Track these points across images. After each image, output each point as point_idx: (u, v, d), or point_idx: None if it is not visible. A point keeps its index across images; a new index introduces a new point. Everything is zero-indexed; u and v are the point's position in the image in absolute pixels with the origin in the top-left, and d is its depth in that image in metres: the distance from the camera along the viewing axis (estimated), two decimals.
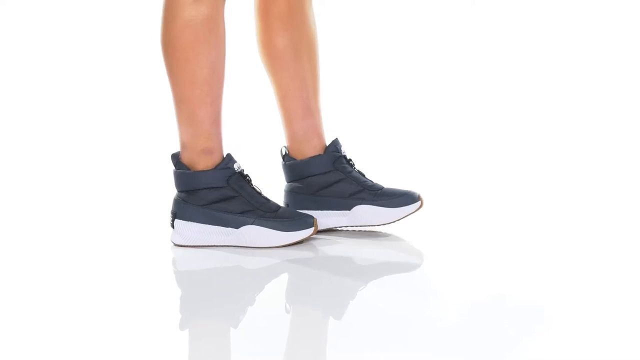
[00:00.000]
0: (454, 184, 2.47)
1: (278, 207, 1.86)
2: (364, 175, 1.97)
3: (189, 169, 1.83)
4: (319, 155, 1.94)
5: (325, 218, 1.94)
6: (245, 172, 1.88)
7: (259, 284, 1.64)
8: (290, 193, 1.96)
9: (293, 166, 1.96)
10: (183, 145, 1.84)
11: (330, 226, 1.95)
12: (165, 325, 1.40)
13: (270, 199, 1.88)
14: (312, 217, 1.86)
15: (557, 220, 2.06)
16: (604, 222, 2.06)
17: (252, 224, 1.83)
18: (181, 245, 1.84)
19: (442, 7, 3.45)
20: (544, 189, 2.39)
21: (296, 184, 1.96)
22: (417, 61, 3.45)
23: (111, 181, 2.64)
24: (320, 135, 1.97)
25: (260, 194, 1.87)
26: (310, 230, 1.85)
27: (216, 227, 1.84)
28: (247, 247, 1.83)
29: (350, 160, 1.98)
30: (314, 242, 1.87)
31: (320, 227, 1.93)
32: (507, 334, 1.33)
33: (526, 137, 3.02)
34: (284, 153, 1.99)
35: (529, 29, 3.44)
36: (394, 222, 1.92)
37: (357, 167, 2.00)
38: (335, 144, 1.96)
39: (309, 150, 1.96)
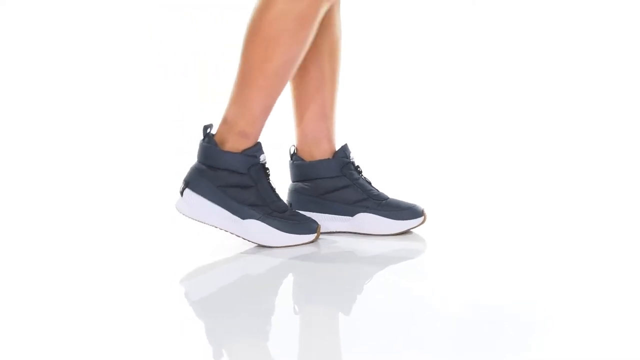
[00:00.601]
0: (458, 188, 2.47)
1: (286, 208, 1.86)
2: (370, 184, 1.97)
3: (216, 145, 1.83)
4: (328, 159, 1.95)
5: (327, 221, 1.94)
6: (267, 166, 1.87)
7: (262, 283, 1.64)
8: (295, 193, 1.97)
9: (301, 166, 1.96)
10: (224, 120, 1.83)
11: (332, 230, 1.95)
12: (165, 324, 1.40)
13: (281, 198, 1.88)
14: (316, 222, 1.86)
15: (558, 226, 2.05)
16: (605, 224, 2.05)
17: (257, 219, 1.82)
18: (184, 215, 1.83)
19: (443, 7, 3.45)
20: (547, 194, 2.39)
21: (302, 185, 1.96)
22: (421, 65, 3.45)
23: (111, 181, 2.63)
24: (330, 140, 1.97)
25: (274, 191, 1.87)
26: (313, 236, 1.85)
27: (224, 210, 1.83)
28: (246, 239, 1.82)
29: (358, 167, 1.98)
30: (317, 243, 1.87)
31: (321, 230, 1.93)
32: (507, 334, 1.32)
33: (534, 144, 3.01)
34: (292, 152, 1.98)
35: (529, 29, 3.44)
36: (394, 234, 1.92)
37: (365, 174, 2.01)
38: (344, 149, 1.96)
39: (318, 153, 1.96)
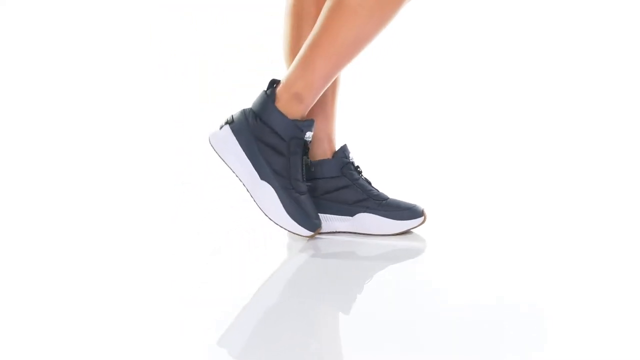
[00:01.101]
0: (458, 188, 2.46)
1: (305, 191, 1.87)
2: (370, 184, 1.97)
3: (274, 101, 1.82)
4: (328, 159, 1.94)
5: (326, 221, 1.93)
6: (308, 145, 1.88)
7: (262, 283, 1.63)
8: None
9: None
10: (285, 79, 1.83)
11: (331, 230, 1.94)
12: (164, 324, 1.40)
13: (306, 183, 1.91)
14: (320, 224, 1.86)
15: (559, 226, 2.05)
16: (605, 224, 2.05)
17: (272, 186, 1.82)
18: (212, 147, 1.84)
19: (443, 7, 3.45)
20: (547, 193, 2.38)
21: None
22: (421, 65, 3.45)
23: (110, 181, 2.63)
24: (331, 140, 1.96)
25: (302, 170, 1.87)
26: (308, 233, 1.84)
27: (249, 163, 1.82)
28: (252, 198, 1.82)
29: (357, 167, 1.97)
30: (317, 243, 1.87)
31: (321, 230, 1.92)
32: (508, 334, 1.32)
33: (534, 143, 3.01)
34: None
35: (529, 29, 3.44)
36: (393, 234, 1.92)
37: (365, 174, 2.00)
38: (344, 149, 1.96)
39: (318, 153, 1.96)
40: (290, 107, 1.82)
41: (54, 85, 3.37)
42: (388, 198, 1.94)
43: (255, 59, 3.40)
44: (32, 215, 2.20)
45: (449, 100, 3.37)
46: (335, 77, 1.85)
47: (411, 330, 1.38)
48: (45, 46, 3.42)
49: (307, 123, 1.83)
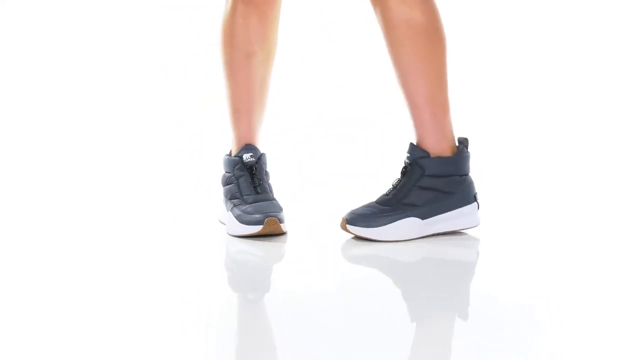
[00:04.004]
0: None
1: (257, 199, 1.92)
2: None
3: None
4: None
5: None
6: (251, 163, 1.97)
7: (261, 284, 1.63)
8: None
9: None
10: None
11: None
12: (162, 324, 1.40)
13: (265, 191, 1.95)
14: (266, 216, 1.86)
15: (558, 226, 2.05)
16: (605, 225, 2.05)
17: (229, 210, 1.94)
18: None
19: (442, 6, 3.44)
20: (546, 193, 2.38)
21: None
22: None
23: (110, 181, 2.63)
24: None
25: (254, 185, 1.94)
26: (256, 228, 1.86)
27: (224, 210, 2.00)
28: None
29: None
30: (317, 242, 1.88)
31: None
32: (508, 334, 1.32)
33: (532, 143, 3.01)
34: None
35: (528, 28, 3.44)
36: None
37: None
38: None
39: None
40: None
41: (53, 85, 3.37)
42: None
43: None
44: (32, 215, 2.20)
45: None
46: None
47: (410, 331, 1.38)
48: (45, 46, 3.42)
49: (242, 150, 1.96)
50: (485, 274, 1.72)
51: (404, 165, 1.90)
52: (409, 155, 1.89)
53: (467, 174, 1.91)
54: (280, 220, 1.88)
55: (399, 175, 1.91)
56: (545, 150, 2.96)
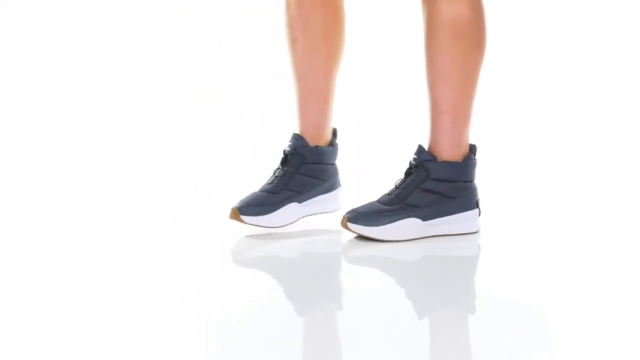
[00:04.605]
0: None
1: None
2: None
3: None
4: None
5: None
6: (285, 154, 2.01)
7: (260, 284, 1.63)
8: None
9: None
10: None
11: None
12: (162, 325, 1.40)
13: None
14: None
15: (559, 225, 2.05)
16: (605, 224, 2.05)
17: None
18: None
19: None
20: (546, 193, 2.38)
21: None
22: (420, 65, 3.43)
23: (110, 181, 2.63)
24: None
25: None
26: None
27: None
28: None
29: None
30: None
31: None
32: (509, 335, 1.32)
33: (532, 143, 3.01)
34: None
35: (528, 28, 3.44)
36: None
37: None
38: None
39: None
40: None
41: (53, 85, 3.37)
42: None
43: (255, 59, 3.39)
44: (32, 216, 2.20)
45: None
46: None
47: (409, 331, 1.38)
48: (45, 46, 3.42)
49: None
50: (486, 274, 1.72)
51: (409, 166, 1.91)
52: (415, 157, 1.89)
53: (471, 181, 1.91)
54: (240, 211, 1.89)
55: (402, 176, 1.91)
56: (546, 153, 2.96)
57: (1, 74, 3.38)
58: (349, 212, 1.87)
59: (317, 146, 1.98)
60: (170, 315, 1.46)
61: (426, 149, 1.89)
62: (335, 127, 2.04)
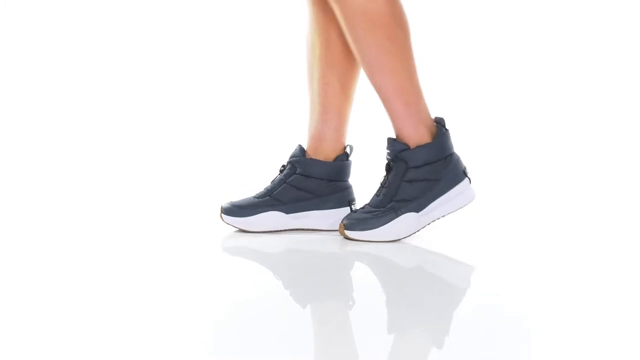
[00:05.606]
0: None
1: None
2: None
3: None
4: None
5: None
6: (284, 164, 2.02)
7: (260, 284, 1.63)
8: None
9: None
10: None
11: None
12: (162, 325, 1.40)
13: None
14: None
15: (558, 226, 2.06)
16: (605, 224, 2.05)
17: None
18: None
19: (442, 6, 3.45)
20: (546, 194, 2.39)
21: None
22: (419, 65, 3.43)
23: (110, 181, 2.64)
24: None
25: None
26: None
27: None
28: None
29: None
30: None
31: None
32: (508, 335, 1.32)
33: (531, 143, 3.01)
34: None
35: (528, 28, 3.44)
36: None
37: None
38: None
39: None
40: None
41: (53, 85, 3.37)
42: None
43: (256, 59, 3.40)
44: (32, 215, 2.20)
45: (446, 100, 3.37)
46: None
47: (409, 331, 1.38)
48: (45, 46, 3.42)
49: None
50: (486, 274, 1.72)
51: (386, 162, 1.90)
52: (389, 151, 1.88)
53: (451, 154, 1.88)
54: (223, 210, 1.95)
55: (384, 173, 1.91)
56: (545, 152, 2.96)
57: (1, 74, 3.38)
58: (344, 219, 1.88)
59: (309, 158, 1.96)
60: (168, 315, 1.46)
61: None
62: (351, 144, 2.00)
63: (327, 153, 1.98)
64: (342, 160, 1.97)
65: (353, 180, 2.01)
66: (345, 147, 1.99)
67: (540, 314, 1.44)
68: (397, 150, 1.86)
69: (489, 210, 2.24)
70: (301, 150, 1.98)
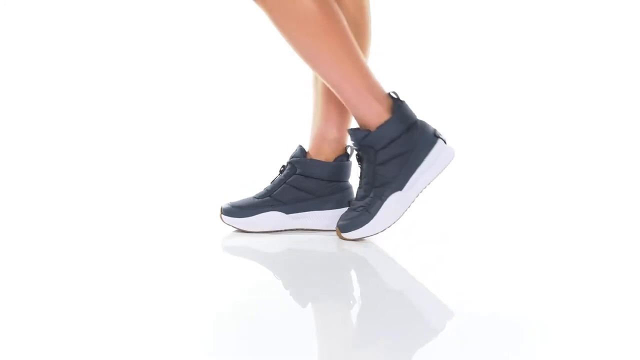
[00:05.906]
0: (457, 188, 2.46)
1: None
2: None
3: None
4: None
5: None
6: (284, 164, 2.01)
7: (259, 285, 1.64)
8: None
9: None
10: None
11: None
12: (162, 325, 1.40)
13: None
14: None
15: (558, 226, 2.06)
16: (604, 225, 2.05)
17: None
18: None
19: (442, 6, 3.45)
20: (545, 194, 2.38)
21: None
22: (418, 65, 3.44)
23: (110, 181, 2.63)
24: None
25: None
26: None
27: None
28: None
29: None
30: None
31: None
32: (507, 336, 1.32)
33: (531, 143, 3.01)
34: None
35: (528, 28, 3.44)
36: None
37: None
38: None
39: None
40: None
41: (53, 85, 3.37)
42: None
43: (256, 59, 3.40)
44: (32, 216, 2.20)
45: (446, 100, 3.38)
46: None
47: (409, 331, 1.38)
48: (44, 46, 3.42)
49: None
50: (486, 274, 1.72)
51: (355, 153, 1.89)
52: (353, 142, 1.87)
53: (414, 122, 1.86)
54: (223, 211, 1.97)
55: (358, 165, 1.90)
56: (545, 152, 2.96)
57: (1, 74, 3.38)
58: (339, 221, 1.87)
59: (310, 159, 1.97)
60: (168, 316, 1.46)
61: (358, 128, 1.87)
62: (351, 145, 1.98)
63: (328, 153, 1.98)
64: (343, 161, 1.98)
65: (353, 180, 2.01)
66: (346, 148, 1.99)
67: (540, 313, 1.44)
68: (360, 138, 1.85)
69: (489, 210, 2.24)
70: (301, 151, 1.98)
